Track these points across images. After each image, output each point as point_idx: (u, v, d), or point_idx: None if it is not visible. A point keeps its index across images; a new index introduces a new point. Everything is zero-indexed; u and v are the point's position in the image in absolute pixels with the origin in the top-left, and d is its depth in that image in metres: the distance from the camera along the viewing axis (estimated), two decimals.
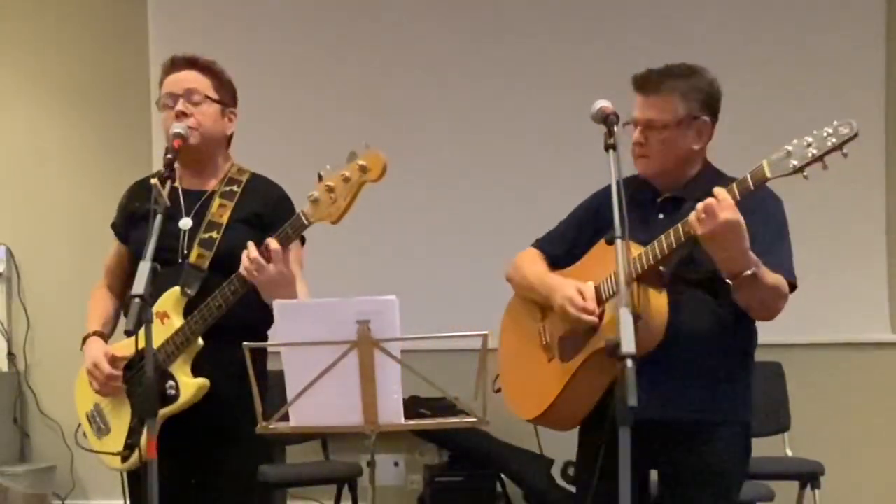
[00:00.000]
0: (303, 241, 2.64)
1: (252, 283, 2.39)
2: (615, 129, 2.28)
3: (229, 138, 2.72)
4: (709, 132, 2.43)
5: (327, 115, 5.08)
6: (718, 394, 2.40)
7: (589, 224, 2.60)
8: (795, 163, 2.07)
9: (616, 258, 2.09)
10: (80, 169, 5.24)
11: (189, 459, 2.52)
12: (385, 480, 4.94)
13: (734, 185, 2.16)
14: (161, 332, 2.45)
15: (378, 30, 5.17)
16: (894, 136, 4.97)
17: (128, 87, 5.18)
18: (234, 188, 2.63)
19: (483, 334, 2.12)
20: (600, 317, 2.34)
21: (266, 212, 2.61)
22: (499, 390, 2.62)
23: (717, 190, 2.14)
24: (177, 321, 2.48)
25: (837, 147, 2.04)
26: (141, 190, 2.70)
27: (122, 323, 2.60)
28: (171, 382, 2.46)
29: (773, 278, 2.24)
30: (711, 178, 2.39)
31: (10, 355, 5.23)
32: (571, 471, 4.55)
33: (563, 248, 2.65)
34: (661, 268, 2.28)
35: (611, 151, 2.25)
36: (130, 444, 2.50)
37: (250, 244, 2.39)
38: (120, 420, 2.55)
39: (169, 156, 2.46)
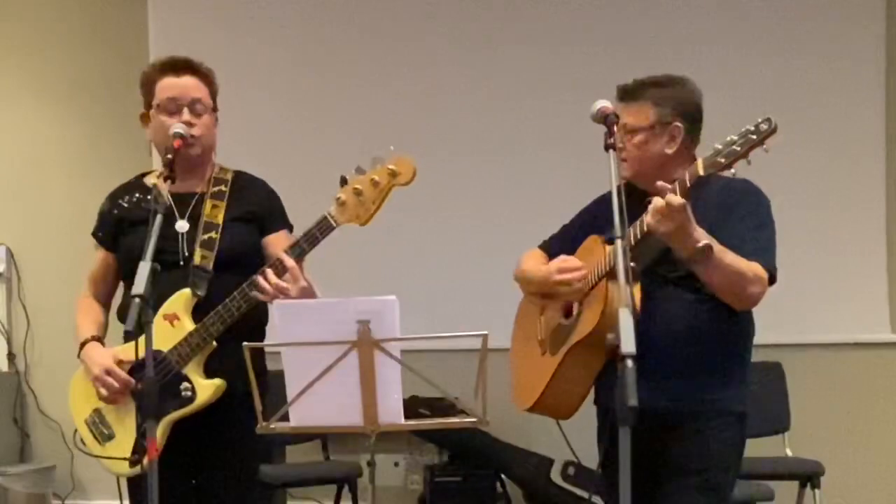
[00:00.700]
0: (290, 228, 2.70)
1: None
2: (615, 128, 2.31)
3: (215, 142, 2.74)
4: (683, 137, 2.50)
5: (328, 115, 5.09)
6: (701, 385, 2.45)
7: (588, 226, 2.67)
8: (722, 160, 2.19)
9: (616, 258, 2.13)
10: (81, 169, 5.23)
11: (190, 459, 2.52)
12: (385, 480, 4.94)
13: (676, 183, 2.26)
14: (172, 334, 2.47)
15: (378, 30, 5.17)
16: (894, 135, 4.97)
17: (128, 87, 5.13)
18: (222, 188, 2.65)
19: (483, 334, 2.12)
20: (582, 307, 2.49)
21: (259, 209, 2.66)
22: None
23: (669, 197, 2.23)
24: (187, 323, 2.48)
25: (758, 143, 2.17)
26: (126, 195, 2.69)
27: (117, 331, 2.63)
28: (186, 384, 2.47)
29: (735, 259, 2.32)
30: (697, 178, 2.43)
31: (10, 355, 5.24)
32: (571, 471, 4.56)
33: (563, 249, 2.71)
34: (631, 263, 2.30)
35: (610, 151, 2.27)
36: (140, 449, 2.47)
37: (267, 270, 2.42)
38: (125, 425, 2.52)
39: (169, 156, 2.47)
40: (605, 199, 2.44)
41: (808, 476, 4.15)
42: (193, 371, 2.48)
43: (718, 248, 2.29)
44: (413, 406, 2.44)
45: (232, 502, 2.60)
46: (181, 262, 2.54)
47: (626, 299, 2.00)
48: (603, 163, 2.28)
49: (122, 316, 2.60)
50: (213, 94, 2.67)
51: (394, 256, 4.90)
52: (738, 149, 2.17)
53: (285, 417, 2.26)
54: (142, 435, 2.45)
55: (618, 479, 2.43)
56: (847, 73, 4.95)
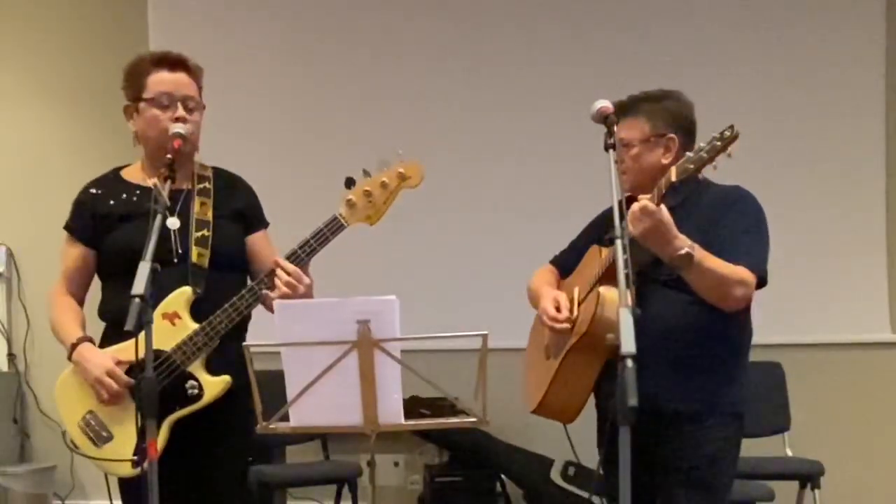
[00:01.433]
0: (266, 225, 2.74)
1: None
2: (615, 129, 2.35)
3: None
4: (677, 149, 2.56)
5: (328, 115, 5.09)
6: (695, 385, 2.49)
7: (593, 236, 2.73)
8: (692, 166, 2.30)
9: (616, 258, 2.14)
10: (81, 169, 5.18)
11: (186, 458, 2.51)
12: (385, 480, 4.94)
13: (655, 190, 2.37)
14: (174, 333, 2.46)
15: (379, 30, 5.17)
16: (894, 135, 4.97)
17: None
18: (206, 185, 2.66)
19: (483, 334, 2.12)
20: (574, 321, 2.58)
21: (244, 208, 2.70)
22: None
23: (641, 199, 2.34)
24: (188, 321, 2.48)
25: (722, 149, 2.25)
26: (104, 191, 2.67)
27: (93, 329, 2.61)
28: (192, 382, 2.47)
29: (718, 264, 2.40)
30: (694, 187, 2.56)
31: (10, 355, 5.24)
32: (571, 471, 4.55)
33: (571, 261, 2.80)
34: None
35: (610, 151, 2.30)
36: (144, 449, 2.47)
37: (278, 269, 2.44)
38: (124, 425, 2.49)
39: (169, 156, 2.47)
40: (610, 211, 2.49)
41: (808, 476, 4.15)
42: (198, 369, 2.48)
43: (701, 254, 2.36)
44: (413, 406, 2.44)
45: (229, 500, 2.60)
46: (175, 260, 2.53)
47: (626, 299, 2.00)
48: (603, 163, 2.28)
49: (108, 316, 2.60)
50: (201, 92, 2.67)
51: (394, 256, 4.90)
52: (705, 155, 2.27)
53: (285, 417, 2.26)
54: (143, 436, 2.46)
55: (618, 478, 2.49)
56: (847, 74, 4.95)
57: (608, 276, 2.46)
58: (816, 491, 4.15)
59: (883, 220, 4.96)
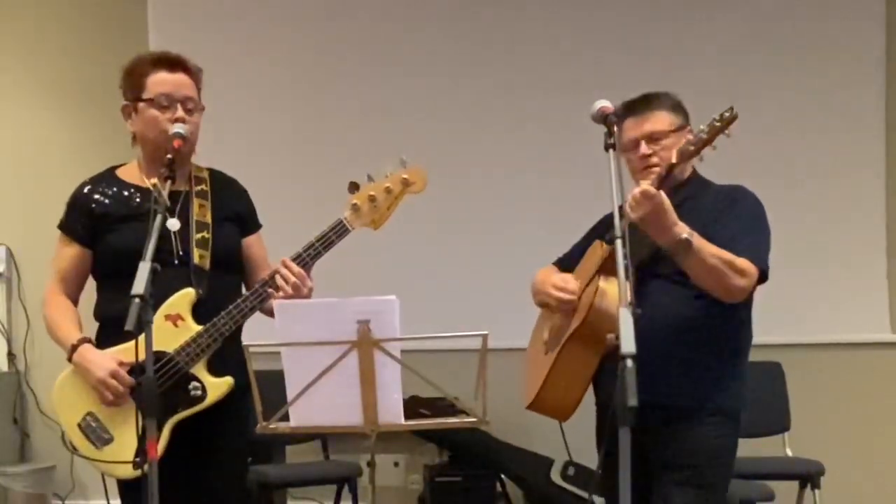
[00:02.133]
0: (259, 227, 2.76)
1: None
2: (615, 128, 2.34)
3: None
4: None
5: (328, 116, 5.09)
6: (691, 382, 2.50)
7: (594, 237, 2.75)
8: (692, 147, 2.33)
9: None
10: (81, 169, 5.18)
11: (185, 458, 2.51)
12: (385, 480, 4.94)
13: (654, 175, 2.43)
14: (177, 334, 2.46)
15: (379, 30, 5.17)
16: (894, 135, 4.97)
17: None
18: (204, 187, 2.66)
19: (483, 334, 2.12)
20: (575, 306, 2.59)
21: (241, 210, 2.72)
22: None
23: (642, 184, 2.38)
24: (191, 323, 2.48)
25: (721, 129, 2.28)
26: (100, 190, 2.66)
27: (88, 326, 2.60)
28: (195, 383, 2.47)
29: (718, 251, 2.40)
30: (695, 187, 2.62)
31: (10, 355, 5.24)
32: (571, 471, 4.56)
33: (574, 261, 2.82)
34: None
35: (610, 151, 2.29)
36: (144, 451, 2.46)
37: (283, 270, 2.46)
38: (125, 426, 2.47)
39: (169, 156, 2.46)
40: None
41: (808, 476, 4.14)
42: (201, 370, 2.48)
43: (700, 241, 2.37)
44: (413, 406, 2.44)
45: (228, 500, 2.60)
46: (175, 262, 2.53)
47: (625, 299, 2.00)
48: (603, 163, 2.27)
49: (105, 316, 2.60)
50: (199, 93, 2.67)
51: (394, 256, 4.89)
52: (704, 136, 2.30)
53: (285, 417, 2.26)
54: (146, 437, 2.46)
55: (617, 478, 2.48)
56: (847, 74, 4.96)
57: (607, 269, 2.48)
58: (816, 491, 4.15)
59: (883, 220, 4.96)
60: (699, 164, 2.59)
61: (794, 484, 4.21)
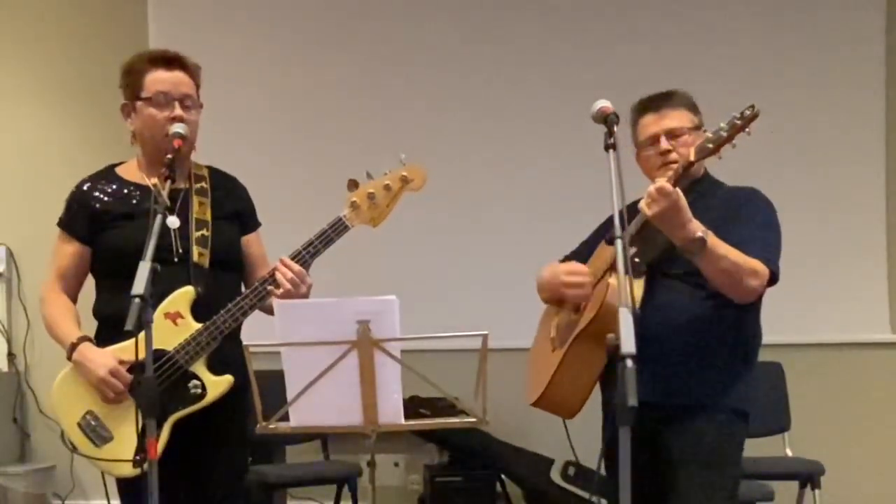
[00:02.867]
0: (258, 225, 2.76)
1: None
2: (615, 129, 2.32)
3: None
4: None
5: (328, 115, 5.09)
6: (700, 381, 2.50)
7: (603, 234, 2.71)
8: (710, 145, 2.33)
9: (616, 257, 2.12)
10: (81, 169, 5.18)
11: (185, 457, 2.51)
12: (385, 480, 4.94)
13: (672, 172, 2.41)
14: (176, 332, 2.46)
15: (380, 29, 5.17)
16: (894, 135, 4.97)
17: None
18: (203, 184, 2.67)
19: (483, 334, 2.12)
20: (584, 306, 2.57)
21: (241, 208, 2.72)
22: None
23: (658, 181, 2.36)
24: (190, 321, 2.48)
25: (742, 127, 2.28)
26: (100, 188, 2.66)
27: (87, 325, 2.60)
28: (195, 381, 2.48)
29: (731, 252, 2.39)
30: (706, 187, 2.63)
31: (10, 355, 5.24)
32: (571, 471, 4.56)
33: (582, 258, 2.80)
34: (634, 259, 2.45)
35: (610, 151, 2.27)
36: (145, 449, 2.47)
37: (281, 268, 2.46)
38: (124, 425, 2.48)
39: (169, 156, 2.47)
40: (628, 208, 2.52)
41: (808, 476, 4.15)
42: (201, 368, 2.48)
43: (714, 240, 2.36)
44: (413, 406, 2.44)
45: (227, 499, 2.60)
46: (175, 259, 2.53)
47: (625, 298, 2.00)
48: (604, 163, 2.27)
49: (105, 315, 2.60)
50: (198, 90, 2.67)
51: (394, 256, 4.90)
52: (724, 134, 2.30)
53: (285, 417, 2.26)
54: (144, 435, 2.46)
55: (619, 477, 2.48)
56: (847, 74, 4.96)
57: (615, 268, 2.46)
58: (816, 491, 4.15)
59: (883, 220, 4.96)
60: (716, 163, 2.56)
61: (794, 484, 4.21)
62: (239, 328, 2.58)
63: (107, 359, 2.47)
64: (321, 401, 2.20)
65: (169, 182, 2.41)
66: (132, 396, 2.46)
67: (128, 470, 2.43)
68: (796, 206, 4.79)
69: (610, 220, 2.71)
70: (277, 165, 4.94)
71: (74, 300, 2.66)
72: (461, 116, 5.08)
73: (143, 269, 2.15)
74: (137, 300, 2.09)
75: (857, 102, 4.96)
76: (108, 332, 2.53)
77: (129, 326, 2.07)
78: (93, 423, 2.51)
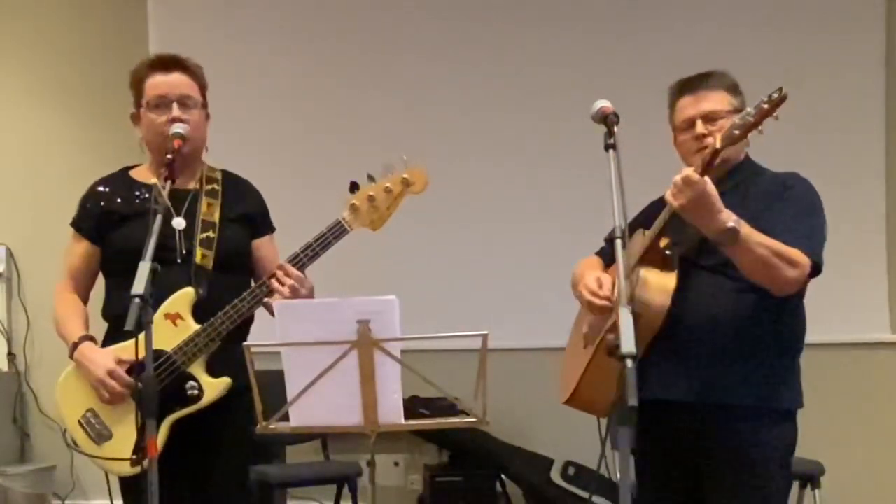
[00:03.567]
0: (274, 231, 2.74)
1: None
2: (615, 129, 2.29)
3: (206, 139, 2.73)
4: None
5: (328, 115, 5.09)
6: (739, 379, 2.39)
7: (636, 226, 2.62)
8: (737, 131, 2.23)
9: (616, 260, 2.12)
10: (81, 169, 5.19)
11: (186, 457, 2.51)
12: (385, 480, 4.94)
13: (699, 159, 2.31)
14: (175, 333, 2.46)
15: (378, 30, 5.17)
16: (894, 136, 4.97)
17: (128, 87, 5.16)
18: (215, 186, 2.66)
19: (483, 334, 2.12)
20: (614, 302, 2.43)
21: (252, 212, 2.70)
22: None
23: (684, 170, 2.27)
24: (190, 322, 2.48)
25: (769, 111, 2.20)
26: (112, 189, 2.67)
27: (95, 327, 2.60)
28: (192, 383, 2.47)
29: (767, 241, 2.29)
30: (747, 173, 2.52)
31: (10, 355, 5.24)
32: (571, 471, 4.56)
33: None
34: (666, 251, 2.38)
35: (610, 151, 2.25)
36: (143, 448, 2.47)
37: (279, 272, 2.45)
38: (123, 424, 2.49)
39: (169, 156, 2.47)
40: (658, 201, 2.48)
41: (808, 476, 4.14)
42: (198, 370, 2.48)
43: (748, 230, 2.26)
44: (413, 406, 2.44)
45: (228, 500, 2.60)
46: (179, 260, 2.53)
47: (625, 298, 2.00)
48: (605, 163, 2.27)
49: (110, 315, 2.60)
50: (203, 91, 2.66)
51: (394, 256, 4.89)
52: (751, 119, 2.20)
53: (285, 417, 2.26)
54: (142, 434, 2.46)
55: (647, 480, 2.46)
56: (847, 76, 4.96)
57: (648, 258, 2.40)
58: (816, 491, 4.14)
59: (883, 220, 4.96)
60: (757, 147, 2.51)
61: (795, 484, 4.21)
62: (246, 331, 2.58)
63: (106, 360, 2.48)
64: (321, 401, 2.21)
65: (169, 182, 2.42)
66: (132, 396, 2.46)
67: (125, 468, 2.45)
68: None
69: (643, 211, 2.64)
70: (278, 167, 4.94)
71: (85, 300, 2.69)
72: (462, 117, 5.08)
73: (143, 270, 2.16)
74: (137, 300, 2.10)
75: (857, 103, 4.95)
76: (115, 331, 2.54)
77: (128, 327, 2.09)
78: (93, 421, 2.53)
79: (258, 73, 5.11)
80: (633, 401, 1.85)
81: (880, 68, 4.97)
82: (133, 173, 2.71)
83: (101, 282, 2.71)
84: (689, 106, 2.53)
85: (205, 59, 2.72)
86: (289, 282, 2.44)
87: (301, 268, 2.48)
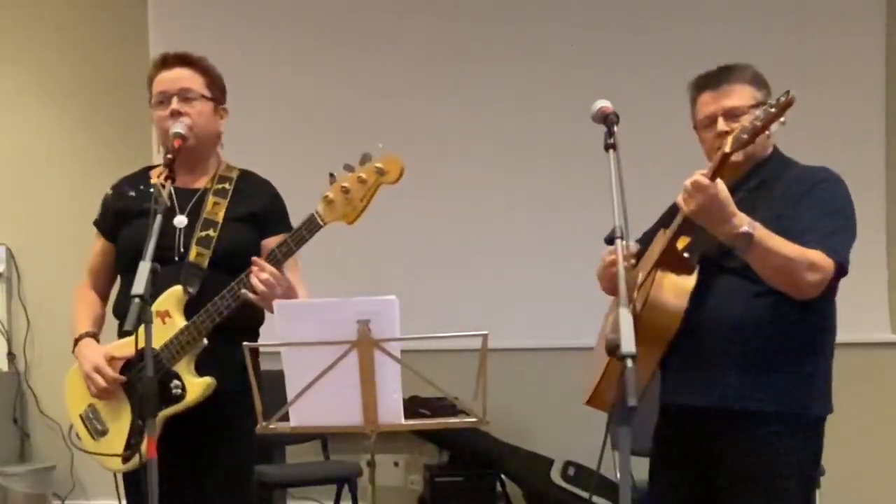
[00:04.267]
0: (288, 230, 2.65)
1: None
2: (615, 129, 2.28)
3: (220, 135, 2.72)
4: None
5: (327, 114, 5.09)
6: (760, 384, 2.33)
7: (661, 223, 2.58)
8: (745, 136, 2.16)
9: (617, 260, 2.11)
10: (81, 169, 5.23)
11: (186, 458, 2.51)
12: (385, 480, 4.94)
13: (711, 164, 2.24)
14: (163, 331, 2.45)
15: (379, 30, 5.17)
16: (894, 136, 4.97)
17: (128, 87, 5.16)
18: (226, 186, 2.64)
19: (483, 334, 2.12)
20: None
21: (260, 211, 2.64)
22: None
23: (695, 174, 2.22)
24: (178, 320, 2.47)
25: (777, 115, 2.13)
26: (129, 187, 2.68)
27: (110, 324, 2.62)
28: (176, 382, 2.46)
29: (784, 245, 2.22)
30: (776, 167, 2.45)
31: (10, 355, 5.24)
32: (571, 471, 4.55)
33: (643, 249, 2.59)
34: (684, 254, 2.33)
35: (610, 151, 2.24)
36: (133, 445, 2.49)
37: (254, 269, 2.40)
38: (118, 421, 2.53)
39: (169, 156, 2.47)
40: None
41: None
42: (184, 369, 2.47)
43: (763, 233, 2.21)
44: (413, 406, 2.44)
45: (228, 500, 2.59)
46: (177, 259, 2.53)
47: (625, 298, 2.00)
48: (605, 163, 2.27)
49: (118, 313, 2.61)
50: (211, 84, 2.65)
51: (394, 256, 4.90)
52: (759, 123, 2.14)
53: (285, 417, 2.26)
54: (134, 431, 2.47)
55: (658, 485, 2.45)
56: (847, 75, 4.96)
57: (666, 260, 2.35)
58: (816, 491, 4.14)
59: (883, 220, 4.96)
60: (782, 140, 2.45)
61: None
62: (256, 332, 2.57)
63: (95, 355, 2.52)
64: (321, 401, 2.20)
65: (170, 182, 2.42)
66: (126, 394, 2.50)
67: (117, 464, 2.50)
68: None
69: (671, 207, 2.50)
70: (277, 164, 4.89)
71: (105, 297, 2.73)
72: (462, 116, 5.08)
73: (143, 269, 2.17)
74: (137, 300, 2.10)
75: (857, 103, 4.96)
76: (121, 329, 2.56)
77: (127, 326, 2.11)
78: (91, 416, 2.57)
79: (258, 72, 5.10)
80: (632, 401, 1.84)
81: (880, 68, 4.97)
82: (153, 172, 2.72)
83: None
84: (711, 102, 2.46)
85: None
86: (262, 276, 2.38)
87: (276, 264, 2.42)
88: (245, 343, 2.26)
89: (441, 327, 2.24)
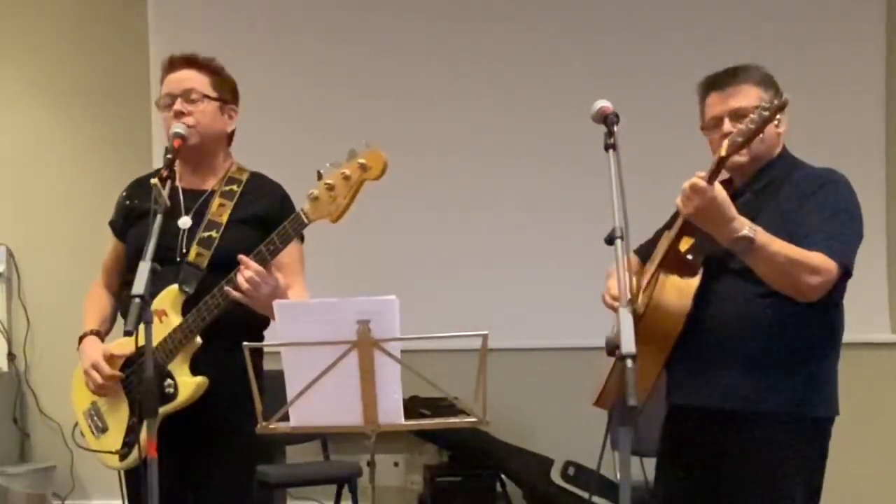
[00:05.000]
0: (301, 238, 2.64)
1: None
2: (615, 129, 2.27)
3: (230, 136, 2.72)
4: (785, 117, 2.43)
5: (327, 115, 5.08)
6: (764, 385, 2.33)
7: (668, 225, 2.58)
8: (740, 139, 2.18)
9: (616, 260, 2.10)
10: (81, 169, 5.24)
11: (187, 458, 2.51)
12: (385, 480, 4.94)
13: (710, 167, 2.24)
14: (159, 330, 2.45)
15: (379, 29, 5.18)
16: (894, 136, 4.97)
17: (128, 87, 5.18)
18: (234, 187, 2.63)
19: (483, 334, 2.11)
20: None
21: (267, 213, 2.61)
22: None
23: (694, 176, 2.22)
24: (175, 319, 2.47)
25: (770, 118, 2.16)
26: (140, 188, 2.69)
27: (121, 322, 2.63)
28: (169, 381, 2.46)
29: (785, 248, 2.22)
30: (783, 168, 2.45)
31: (10, 355, 5.24)
32: (571, 471, 4.55)
33: (651, 249, 2.64)
34: (687, 255, 2.34)
35: (610, 151, 2.24)
36: (128, 443, 2.50)
37: (241, 268, 2.38)
38: (117, 419, 2.55)
39: (169, 156, 2.47)
40: None
41: None
42: (178, 368, 2.47)
43: (764, 237, 2.21)
44: (413, 406, 2.44)
45: (229, 501, 2.59)
46: (178, 259, 2.53)
47: (625, 298, 2.00)
48: (605, 163, 2.27)
49: (122, 311, 2.62)
50: (217, 84, 2.65)
51: (394, 256, 4.90)
52: (752, 126, 2.16)
53: (285, 417, 2.26)
54: (130, 429, 2.49)
55: (669, 480, 2.44)
56: (847, 75, 4.96)
57: (670, 262, 2.36)
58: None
59: (883, 220, 4.96)
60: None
61: None
62: (259, 333, 2.57)
63: (94, 353, 2.53)
64: (321, 401, 2.20)
65: (169, 182, 2.42)
66: (126, 393, 2.51)
67: (115, 462, 2.51)
68: None
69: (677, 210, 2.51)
70: (277, 165, 4.92)
71: (118, 294, 2.73)
72: (462, 116, 5.08)
73: (143, 269, 2.17)
74: (137, 300, 2.11)
75: (858, 102, 4.96)
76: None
77: (128, 326, 2.11)
78: (93, 414, 2.59)
79: (258, 72, 5.10)
80: (632, 401, 1.84)
81: (880, 68, 4.97)
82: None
83: None
84: (717, 103, 2.46)
85: None
86: (247, 274, 2.36)
87: (263, 262, 2.40)
88: (245, 343, 2.25)
89: (441, 327, 2.24)
